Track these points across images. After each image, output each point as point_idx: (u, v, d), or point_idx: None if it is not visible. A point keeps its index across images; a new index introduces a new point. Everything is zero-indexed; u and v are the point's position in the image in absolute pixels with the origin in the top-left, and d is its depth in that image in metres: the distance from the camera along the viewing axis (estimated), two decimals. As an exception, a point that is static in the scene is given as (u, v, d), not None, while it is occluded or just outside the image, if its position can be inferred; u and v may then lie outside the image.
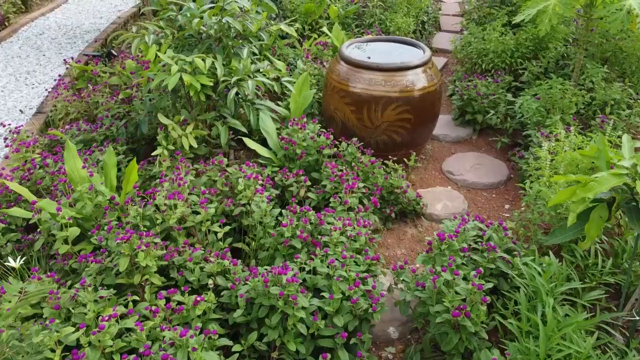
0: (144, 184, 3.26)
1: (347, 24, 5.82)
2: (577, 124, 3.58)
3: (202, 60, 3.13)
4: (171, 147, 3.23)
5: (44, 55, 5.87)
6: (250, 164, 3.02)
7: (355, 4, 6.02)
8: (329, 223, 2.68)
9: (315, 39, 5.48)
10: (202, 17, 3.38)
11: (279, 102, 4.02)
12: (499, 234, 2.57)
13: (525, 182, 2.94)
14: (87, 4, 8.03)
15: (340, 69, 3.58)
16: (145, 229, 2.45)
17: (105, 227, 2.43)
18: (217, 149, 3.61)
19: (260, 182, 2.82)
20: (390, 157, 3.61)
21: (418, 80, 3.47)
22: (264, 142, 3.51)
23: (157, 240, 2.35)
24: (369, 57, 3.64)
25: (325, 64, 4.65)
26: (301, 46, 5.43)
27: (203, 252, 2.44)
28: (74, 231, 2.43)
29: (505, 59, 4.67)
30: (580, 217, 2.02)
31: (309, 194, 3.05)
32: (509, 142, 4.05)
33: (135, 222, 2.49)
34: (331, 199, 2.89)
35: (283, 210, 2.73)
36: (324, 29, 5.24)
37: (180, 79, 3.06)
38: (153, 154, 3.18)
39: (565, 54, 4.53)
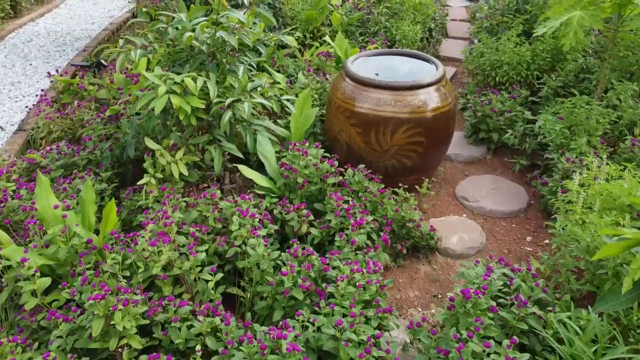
0: (130, 215, 2.96)
1: (351, 31, 5.51)
2: (605, 147, 3.27)
3: (193, 79, 2.82)
4: (159, 175, 2.92)
5: (30, 64, 5.55)
6: (247, 197, 2.70)
7: (359, 10, 5.71)
8: (334, 268, 2.38)
9: (317, 47, 5.17)
10: (194, 31, 3.08)
11: (278, 121, 3.71)
12: (528, 283, 2.26)
13: (555, 218, 2.63)
14: (79, 9, 7.71)
15: (345, 87, 3.27)
16: (125, 280, 2.14)
17: (79, 278, 2.12)
18: (210, 172, 3.30)
19: (257, 219, 2.51)
20: (400, 182, 3.31)
21: (431, 100, 3.16)
22: (261, 166, 3.20)
23: (138, 296, 2.04)
24: (377, 74, 3.33)
25: (328, 77, 4.34)
26: (302, 56, 5.12)
27: (191, 306, 2.13)
28: (43, 282, 2.12)
29: (521, 72, 4.36)
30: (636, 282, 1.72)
31: (312, 230, 2.74)
32: (528, 163, 3.74)
33: (113, 270, 2.18)
34: (337, 237, 2.58)
35: (283, 254, 2.42)
36: (326, 38, 4.93)
37: (169, 101, 2.75)
38: (139, 182, 2.87)
39: (584, 66, 4.22)
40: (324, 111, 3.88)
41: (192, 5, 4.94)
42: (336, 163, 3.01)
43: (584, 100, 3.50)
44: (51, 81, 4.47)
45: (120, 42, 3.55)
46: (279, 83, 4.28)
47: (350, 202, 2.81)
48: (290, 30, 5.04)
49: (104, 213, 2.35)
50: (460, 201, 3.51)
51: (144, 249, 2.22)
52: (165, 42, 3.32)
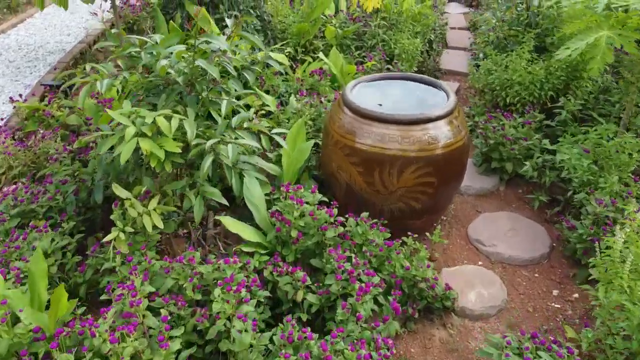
0: (95, 275, 2.54)
1: (346, 45, 5.10)
2: (638, 185, 2.90)
3: (168, 118, 2.40)
4: (130, 229, 2.50)
5: (-3, 83, 5.10)
6: (232, 259, 2.29)
7: (354, 21, 5.30)
8: (337, 352, 1.97)
9: (309, 63, 4.76)
10: (169, 56, 2.66)
11: (269, 154, 3.29)
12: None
13: (584, 266, 2.24)
14: (54, 18, 7.23)
15: (344, 119, 2.87)
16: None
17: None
18: (191, 214, 2.88)
19: (243, 290, 2.09)
20: (407, 225, 2.92)
21: (442, 135, 2.76)
22: (250, 213, 2.79)
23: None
24: (380, 104, 2.92)
25: (323, 99, 3.93)
26: (294, 72, 4.71)
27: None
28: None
29: (534, 92, 3.98)
30: None
31: (309, 296, 2.33)
32: (547, 198, 3.36)
33: (65, 370, 1.76)
34: (339, 309, 2.18)
35: (275, 337, 2.01)
36: (320, 54, 4.52)
37: (138, 145, 2.33)
38: (106, 239, 2.45)
39: (601, 84, 3.85)
40: (319, 141, 3.48)
41: (172, 20, 4.53)
42: (335, 211, 2.60)
43: (611, 130, 3.12)
44: (14, 107, 4.02)
45: (87, 67, 3.12)
46: (268, 105, 3.88)
47: (354, 260, 2.40)
48: (281, 45, 4.62)
49: (52, 299, 1.92)
50: (474, 245, 3.11)
51: (104, 340, 1.80)
52: (138, 69, 2.90)
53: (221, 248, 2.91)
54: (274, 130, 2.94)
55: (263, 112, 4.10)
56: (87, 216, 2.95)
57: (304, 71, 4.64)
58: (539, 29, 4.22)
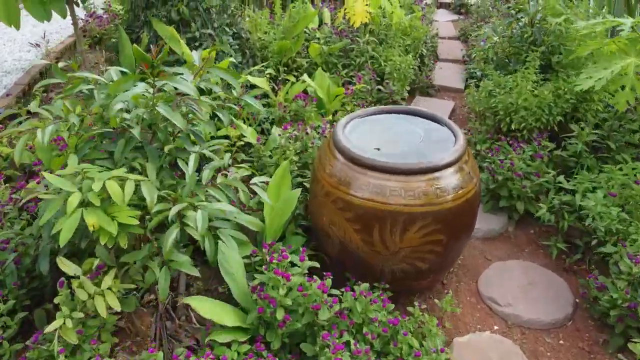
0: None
1: (332, 63, 4.68)
2: (674, 235, 2.53)
3: (121, 182, 1.94)
4: (79, 314, 2.04)
5: (-57, 110, 4.55)
6: (205, 358, 1.85)
7: (340, 36, 4.87)
8: None
9: (292, 83, 4.32)
10: (126, 98, 2.20)
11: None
12: None
13: (613, 329, 1.86)
14: (14, 32, 6.66)
15: (336, 166, 2.44)
16: None
17: None
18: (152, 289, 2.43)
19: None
20: (411, 286, 2.52)
21: (452, 185, 2.35)
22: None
23: None
24: (378, 149, 2.50)
25: (309, 130, 3.50)
26: (276, 94, 4.28)
27: None
28: None
29: (541, 117, 3.60)
30: None
31: (300, 398, 1.90)
32: (565, 246, 2.97)
33: None
34: (338, 423, 1.75)
35: None
36: (305, 76, 4.09)
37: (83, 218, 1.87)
38: (48, 330, 1.99)
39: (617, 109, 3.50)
40: (306, 182, 3.05)
41: (138, 39, 4.06)
42: (329, 283, 2.17)
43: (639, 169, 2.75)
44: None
45: (32, 105, 2.66)
46: (246, 137, 3.45)
47: (353, 347, 1.98)
48: (262, 66, 4.18)
49: None
50: (487, 304, 2.72)
51: None
52: (90, 111, 2.45)
53: (194, 320, 2.47)
54: (254, 180, 2.49)
55: (242, 142, 3.68)
56: (33, 285, 2.48)
57: (287, 93, 4.21)
58: (544, 46, 3.84)
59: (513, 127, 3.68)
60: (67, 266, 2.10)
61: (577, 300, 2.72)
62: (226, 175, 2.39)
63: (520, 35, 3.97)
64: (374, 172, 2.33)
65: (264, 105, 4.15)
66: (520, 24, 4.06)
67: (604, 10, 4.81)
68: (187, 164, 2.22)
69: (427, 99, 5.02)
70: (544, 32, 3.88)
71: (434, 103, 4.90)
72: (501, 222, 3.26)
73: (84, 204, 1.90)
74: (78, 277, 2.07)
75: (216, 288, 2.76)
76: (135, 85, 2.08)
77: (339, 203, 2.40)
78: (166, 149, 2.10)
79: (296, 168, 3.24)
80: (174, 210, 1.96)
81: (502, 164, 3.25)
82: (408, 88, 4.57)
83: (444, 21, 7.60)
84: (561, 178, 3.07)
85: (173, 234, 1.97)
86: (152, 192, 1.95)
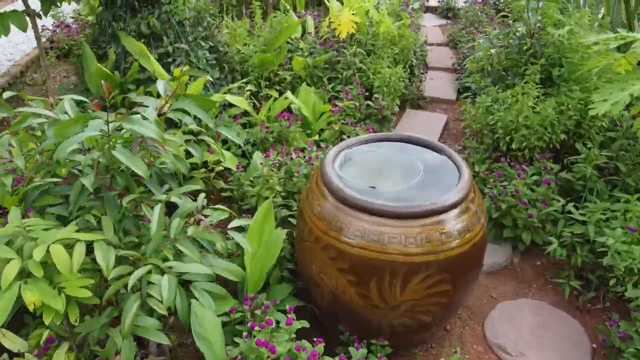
0: None
1: (317, 77, 4.37)
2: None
3: (68, 248, 1.62)
4: (23, 400, 1.71)
5: None
6: None
7: (324, 46, 4.57)
8: None
9: (275, 99, 4.01)
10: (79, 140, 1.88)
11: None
12: None
13: None
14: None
15: (326, 207, 2.14)
16: None
17: None
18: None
19: None
20: (412, 339, 2.23)
21: (457, 228, 2.06)
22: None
23: None
24: (374, 187, 2.21)
25: (293, 155, 3.20)
26: (257, 112, 3.97)
27: None
28: None
29: (543, 135, 3.35)
30: None
31: None
32: (579, 283, 2.71)
33: None
34: None
35: None
36: (288, 93, 3.79)
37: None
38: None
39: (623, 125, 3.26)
40: (292, 219, 2.75)
41: (105, 55, 3.71)
42: (320, 349, 1.87)
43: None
44: None
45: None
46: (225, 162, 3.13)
47: None
48: (241, 83, 3.86)
49: None
50: (496, 353, 2.44)
51: None
52: (42, 149, 2.12)
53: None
54: (233, 224, 2.18)
55: (221, 167, 3.37)
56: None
57: (270, 110, 3.90)
58: (544, 58, 3.59)
59: (514, 146, 3.41)
60: (10, 341, 1.77)
61: (594, 345, 2.46)
62: (200, 222, 2.07)
63: (518, 47, 3.71)
64: (369, 216, 2.04)
65: (244, 125, 3.84)
66: (517, 34, 3.80)
67: (601, 15, 4.59)
68: (152, 209, 1.90)
69: (418, 112, 4.75)
70: (543, 43, 3.63)
71: (426, 117, 4.63)
72: (505, 254, 3.00)
73: (24, 274, 1.58)
74: (23, 355, 1.74)
75: (193, 342, 2.45)
76: (86, 127, 1.75)
77: (330, 251, 2.10)
78: (125, 201, 1.78)
79: (280, 199, 2.94)
80: (134, 277, 1.64)
81: (505, 189, 2.98)
82: (398, 102, 4.29)
83: (431, 26, 7.35)
84: (571, 207, 2.81)
85: (133, 308, 1.65)
86: (107, 255, 1.63)
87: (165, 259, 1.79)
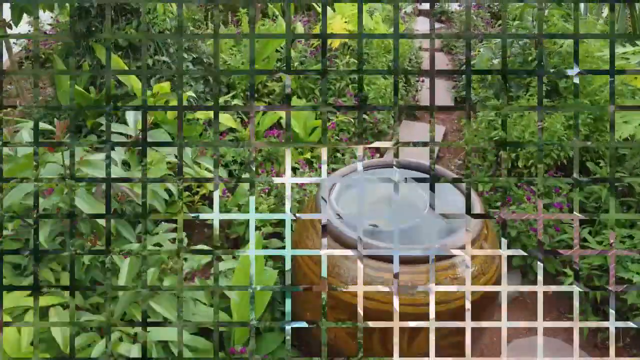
0: None
1: (309, 88, 4.13)
2: None
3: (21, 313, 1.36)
4: None
5: None
6: None
7: (315, 57, 4.33)
8: None
9: (264, 113, 3.76)
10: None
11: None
12: None
13: None
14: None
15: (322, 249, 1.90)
16: None
17: None
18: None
19: None
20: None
21: (472, 271, 1.84)
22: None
23: None
24: (376, 225, 1.97)
25: (284, 175, 2.95)
26: (245, 128, 3.72)
27: None
28: None
29: (551, 152, 3.14)
30: None
31: None
32: (595, 318, 2.50)
33: None
34: None
35: None
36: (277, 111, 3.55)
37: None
38: None
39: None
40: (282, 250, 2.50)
41: (79, 68, 3.44)
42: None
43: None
44: None
45: None
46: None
47: None
48: (228, 97, 3.62)
49: None
50: (511, 402, 2.22)
51: None
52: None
53: None
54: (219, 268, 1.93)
55: (205, 191, 3.12)
56: None
57: (258, 124, 3.65)
58: (550, 69, 3.38)
59: (519, 164, 3.20)
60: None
61: (618, 390, 2.24)
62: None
63: (522, 56, 3.50)
64: (372, 261, 1.80)
65: (230, 141, 3.59)
66: (520, 43, 3.59)
67: (602, 19, 4.41)
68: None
69: (415, 123, 4.52)
70: (548, 53, 3.42)
71: (423, 129, 4.41)
72: (515, 284, 2.78)
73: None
74: None
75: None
76: (43, 167, 1.50)
77: (328, 300, 1.85)
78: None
79: (271, 227, 2.71)
80: (97, 351, 1.39)
81: (513, 214, 2.76)
82: (393, 114, 4.06)
83: (424, 30, 7.13)
84: (586, 234, 2.59)
85: (96, 388, 1.39)
86: (65, 325, 1.38)
87: (137, 321, 1.53)
